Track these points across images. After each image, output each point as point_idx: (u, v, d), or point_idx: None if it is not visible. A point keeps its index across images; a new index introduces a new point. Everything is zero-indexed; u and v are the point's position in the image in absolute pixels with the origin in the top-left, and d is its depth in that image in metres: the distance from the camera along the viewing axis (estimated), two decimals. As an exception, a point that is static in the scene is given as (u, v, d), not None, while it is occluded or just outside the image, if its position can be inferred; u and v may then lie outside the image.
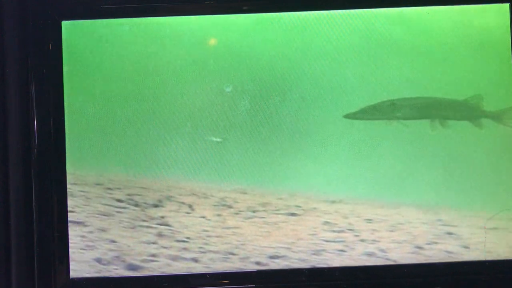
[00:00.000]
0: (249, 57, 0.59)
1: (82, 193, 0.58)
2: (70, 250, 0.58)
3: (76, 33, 0.59)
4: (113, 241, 0.58)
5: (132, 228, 0.58)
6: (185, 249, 0.58)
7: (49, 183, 0.58)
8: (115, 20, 0.59)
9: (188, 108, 0.59)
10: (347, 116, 0.58)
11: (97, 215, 0.58)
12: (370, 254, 0.58)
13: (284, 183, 0.59)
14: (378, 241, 0.59)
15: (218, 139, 0.58)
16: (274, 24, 0.59)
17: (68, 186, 0.58)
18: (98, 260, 0.58)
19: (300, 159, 0.59)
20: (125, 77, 0.59)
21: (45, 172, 0.58)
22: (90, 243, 0.58)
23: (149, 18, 0.59)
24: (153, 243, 0.58)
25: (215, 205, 0.59)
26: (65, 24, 0.59)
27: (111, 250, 0.58)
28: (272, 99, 0.59)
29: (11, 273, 0.57)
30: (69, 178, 0.58)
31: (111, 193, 0.59)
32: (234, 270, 0.58)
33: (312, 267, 0.58)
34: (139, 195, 0.59)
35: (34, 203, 0.58)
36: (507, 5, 0.60)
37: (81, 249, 0.58)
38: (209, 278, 0.58)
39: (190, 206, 0.59)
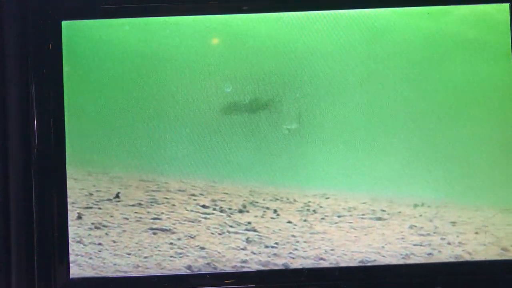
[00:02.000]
0: (250, 57, 0.59)
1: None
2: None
3: (76, 33, 0.59)
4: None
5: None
6: (275, 255, 0.58)
7: (49, 183, 0.58)
8: (115, 20, 0.59)
9: (189, 107, 0.59)
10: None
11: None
12: (457, 257, 0.58)
13: (363, 187, 0.59)
14: (464, 244, 0.59)
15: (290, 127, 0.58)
16: (274, 24, 0.59)
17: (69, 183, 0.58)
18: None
19: (376, 162, 0.59)
20: (125, 77, 0.59)
21: (45, 172, 0.58)
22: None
23: (149, 18, 0.59)
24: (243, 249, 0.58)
25: (299, 210, 0.59)
26: (65, 24, 0.59)
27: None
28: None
29: (11, 273, 0.57)
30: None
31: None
32: (234, 270, 0.58)
33: (312, 267, 0.58)
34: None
35: (34, 203, 0.58)
36: (507, 5, 0.60)
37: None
38: (209, 278, 0.58)
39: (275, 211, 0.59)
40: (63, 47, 0.59)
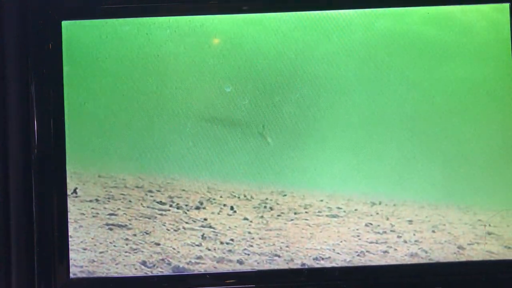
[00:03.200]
0: (249, 57, 0.59)
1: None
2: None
3: (76, 33, 0.59)
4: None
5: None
6: (230, 251, 0.58)
7: (49, 183, 0.58)
8: (115, 20, 0.59)
9: (189, 107, 0.59)
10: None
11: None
12: (413, 255, 0.59)
13: (322, 184, 0.59)
14: (421, 242, 0.59)
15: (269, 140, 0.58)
16: (274, 24, 0.59)
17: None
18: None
19: (333, 161, 0.59)
20: (125, 77, 0.59)
21: (45, 172, 0.58)
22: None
23: (149, 18, 0.59)
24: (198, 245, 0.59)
25: (256, 207, 0.59)
26: (65, 24, 0.59)
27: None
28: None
29: (11, 273, 0.57)
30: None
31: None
32: (234, 270, 0.58)
33: (312, 267, 0.58)
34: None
35: (34, 203, 0.58)
36: (507, 5, 0.60)
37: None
38: (209, 278, 0.58)
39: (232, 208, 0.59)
40: (63, 47, 0.59)
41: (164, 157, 0.59)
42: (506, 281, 0.59)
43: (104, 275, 0.58)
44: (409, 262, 0.59)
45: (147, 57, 0.59)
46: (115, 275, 0.58)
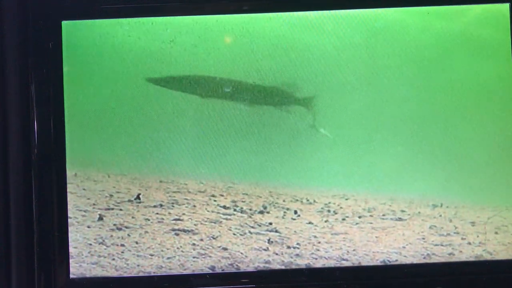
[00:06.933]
0: (249, 57, 0.59)
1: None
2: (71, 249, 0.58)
3: (76, 33, 0.59)
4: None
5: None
6: (297, 255, 0.58)
7: (49, 183, 0.58)
8: (115, 20, 0.59)
9: (189, 107, 0.59)
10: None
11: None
12: (478, 257, 0.59)
13: (382, 187, 0.59)
14: (484, 244, 0.59)
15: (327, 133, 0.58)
16: (274, 24, 0.59)
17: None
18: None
19: (392, 164, 0.59)
20: (125, 77, 0.59)
21: (45, 172, 0.58)
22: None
23: (149, 18, 0.59)
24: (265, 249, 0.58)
25: (320, 211, 0.59)
26: (65, 24, 0.59)
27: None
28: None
29: (11, 273, 0.57)
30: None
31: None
32: (234, 270, 0.58)
33: (312, 267, 0.58)
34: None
35: (34, 203, 0.58)
36: (507, 5, 0.60)
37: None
38: (209, 278, 0.58)
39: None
40: (63, 47, 0.59)
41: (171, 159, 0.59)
42: (506, 281, 0.59)
43: (104, 275, 0.58)
44: (409, 262, 0.59)
45: (147, 56, 0.59)
46: (115, 275, 0.58)
